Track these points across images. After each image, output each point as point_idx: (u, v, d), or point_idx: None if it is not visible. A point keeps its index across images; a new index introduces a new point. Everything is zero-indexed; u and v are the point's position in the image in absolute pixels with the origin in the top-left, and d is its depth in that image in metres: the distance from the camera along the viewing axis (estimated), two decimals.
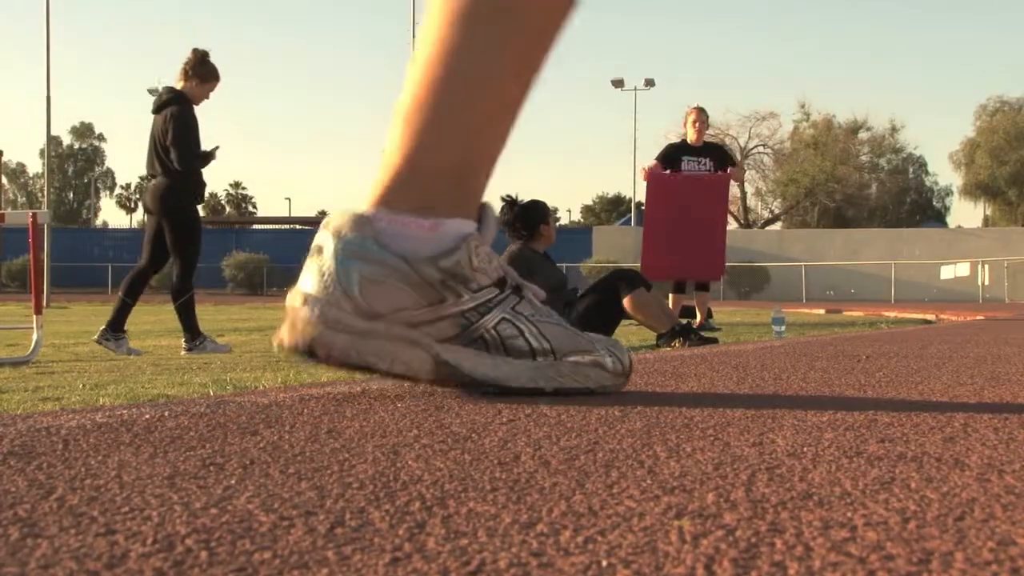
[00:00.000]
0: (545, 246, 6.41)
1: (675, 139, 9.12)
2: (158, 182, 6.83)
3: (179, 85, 6.97)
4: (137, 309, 7.06)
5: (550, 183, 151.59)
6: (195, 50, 7.00)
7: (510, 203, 6.38)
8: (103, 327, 6.77)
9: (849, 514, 0.76)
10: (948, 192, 64.99)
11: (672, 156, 8.68)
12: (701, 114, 8.60)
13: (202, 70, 6.92)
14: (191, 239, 6.86)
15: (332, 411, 1.32)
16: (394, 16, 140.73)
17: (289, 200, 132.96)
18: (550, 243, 6.44)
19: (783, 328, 8.12)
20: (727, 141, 53.02)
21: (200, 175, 6.97)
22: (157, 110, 6.93)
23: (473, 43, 1.41)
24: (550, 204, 6.56)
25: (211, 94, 7.04)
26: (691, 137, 8.73)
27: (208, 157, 6.95)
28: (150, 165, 6.91)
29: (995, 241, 37.43)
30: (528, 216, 6.33)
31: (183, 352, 6.69)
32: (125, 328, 6.82)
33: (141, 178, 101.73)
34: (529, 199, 6.48)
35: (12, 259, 40.53)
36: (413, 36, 37.78)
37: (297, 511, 0.75)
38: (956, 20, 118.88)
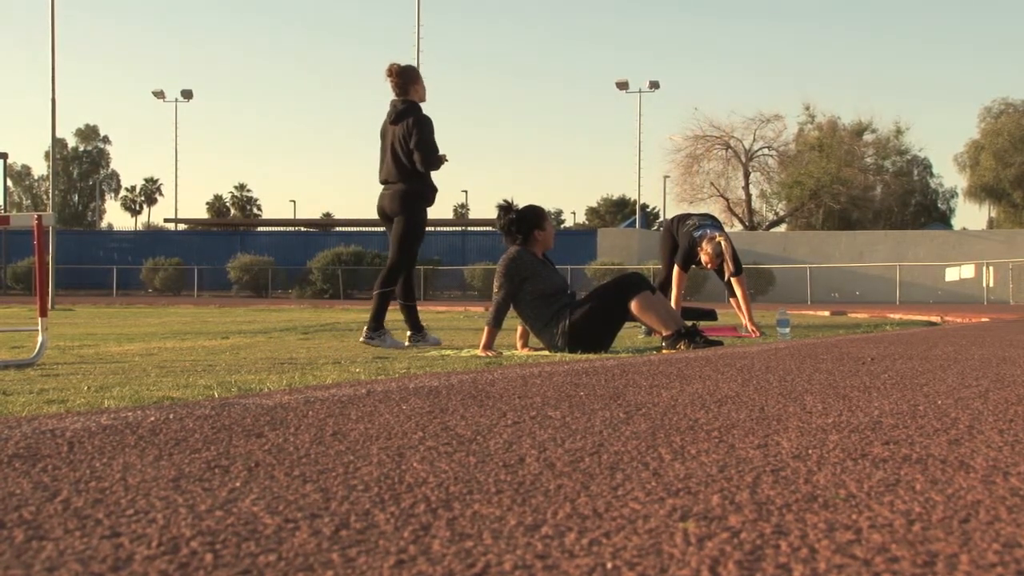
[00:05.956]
0: (542, 250, 6.38)
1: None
2: (398, 187, 7.05)
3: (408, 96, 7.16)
4: (134, 312, 7.05)
5: (554, 185, 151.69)
6: (394, 65, 7.18)
7: (505, 208, 6.34)
8: (365, 327, 6.86)
9: (854, 516, 0.76)
10: (953, 194, 64.78)
11: (689, 262, 9.00)
12: (714, 259, 8.76)
13: (412, 73, 7.14)
14: (416, 241, 7.10)
15: (337, 413, 1.32)
16: (398, 16, 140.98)
17: (294, 202, 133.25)
18: (547, 247, 6.41)
19: (788, 330, 8.11)
20: (731, 144, 52.86)
21: (432, 179, 7.22)
22: (395, 120, 7.11)
23: None
24: (554, 206, 6.63)
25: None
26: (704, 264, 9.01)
27: (441, 160, 7.16)
28: (387, 173, 7.15)
29: (1000, 243, 37.32)
30: (523, 221, 6.32)
31: (362, 340, 6.82)
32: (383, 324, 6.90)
33: (146, 180, 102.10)
34: (526, 204, 6.45)
35: (17, 261, 40.58)
36: (419, 36, 37.83)
37: (302, 513, 0.75)
38: (960, 21, 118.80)
